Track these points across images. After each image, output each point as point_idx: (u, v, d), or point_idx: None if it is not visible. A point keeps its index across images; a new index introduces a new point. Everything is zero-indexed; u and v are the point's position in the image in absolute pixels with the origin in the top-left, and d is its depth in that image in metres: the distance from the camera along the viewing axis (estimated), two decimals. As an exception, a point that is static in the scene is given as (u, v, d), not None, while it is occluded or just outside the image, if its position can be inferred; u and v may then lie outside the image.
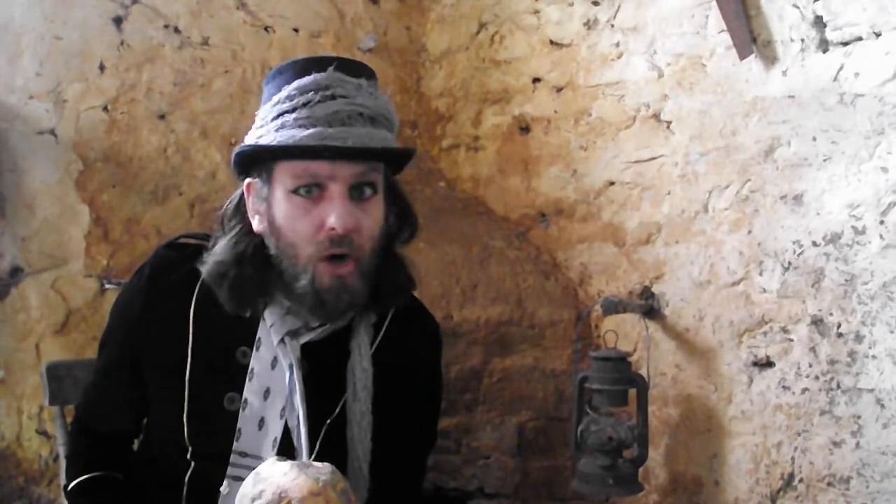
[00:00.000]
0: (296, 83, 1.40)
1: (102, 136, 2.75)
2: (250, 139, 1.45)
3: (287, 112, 1.39)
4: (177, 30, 2.91)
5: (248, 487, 1.26)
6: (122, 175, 2.78)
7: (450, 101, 3.45)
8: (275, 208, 1.43)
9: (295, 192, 1.40)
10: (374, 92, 1.43)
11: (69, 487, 1.62)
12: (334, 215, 1.37)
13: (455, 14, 3.43)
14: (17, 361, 2.61)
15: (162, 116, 2.88)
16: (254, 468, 1.36)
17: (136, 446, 1.72)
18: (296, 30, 3.20)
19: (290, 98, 1.40)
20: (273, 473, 1.24)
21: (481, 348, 2.80)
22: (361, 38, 3.40)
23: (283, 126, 1.39)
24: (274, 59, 3.10)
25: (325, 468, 1.26)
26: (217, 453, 1.48)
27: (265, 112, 1.44)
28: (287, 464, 1.26)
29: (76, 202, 2.70)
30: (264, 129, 1.42)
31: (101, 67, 2.75)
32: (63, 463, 1.97)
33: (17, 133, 2.60)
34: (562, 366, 2.84)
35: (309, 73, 1.40)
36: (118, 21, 2.78)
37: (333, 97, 1.38)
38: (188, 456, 1.51)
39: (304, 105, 1.38)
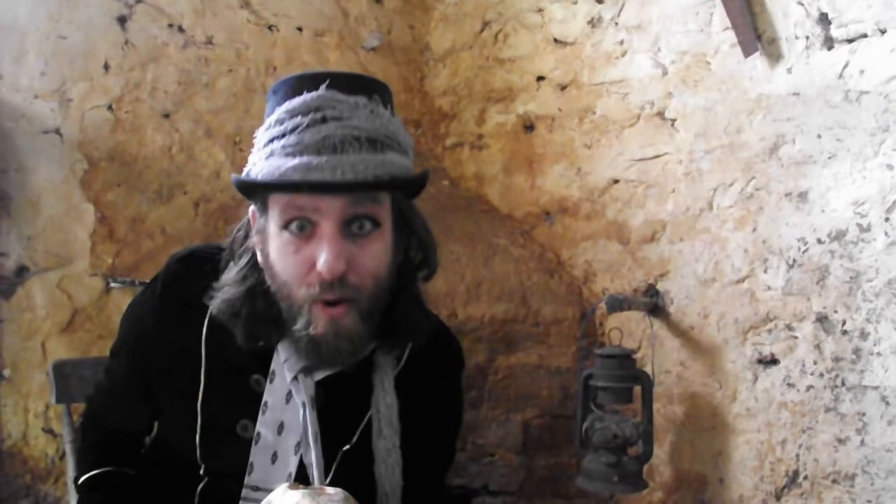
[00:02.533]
0: (286, 105, 1.28)
1: (107, 136, 2.75)
2: (248, 164, 1.34)
3: (276, 138, 1.27)
4: (181, 29, 2.91)
5: None
6: (127, 174, 2.78)
7: (454, 99, 3.45)
8: (269, 244, 1.33)
9: (286, 227, 1.29)
10: (375, 110, 1.30)
11: (80, 481, 1.59)
12: (322, 258, 1.25)
13: (459, 12, 3.44)
14: (23, 360, 2.61)
15: (166, 115, 2.88)
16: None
17: (147, 442, 1.69)
18: (300, 29, 3.21)
19: (279, 122, 1.28)
20: (284, 503, 1.22)
21: (486, 346, 2.81)
22: (365, 36, 3.40)
23: (271, 154, 1.27)
24: (278, 58, 3.11)
25: (336, 495, 1.23)
26: (230, 474, 1.44)
27: (259, 136, 1.33)
28: (298, 493, 1.22)
29: (81, 201, 2.70)
30: (257, 157, 1.31)
31: (106, 67, 2.76)
32: (69, 460, 1.97)
33: (23, 132, 2.60)
34: (566, 363, 2.84)
35: (300, 93, 1.28)
36: (122, 20, 2.79)
37: (325, 120, 1.25)
38: (201, 472, 1.48)
39: (293, 130, 1.26)
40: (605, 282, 2.90)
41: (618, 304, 2.66)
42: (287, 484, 1.27)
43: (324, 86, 1.27)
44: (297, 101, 1.27)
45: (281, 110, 1.28)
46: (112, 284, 2.72)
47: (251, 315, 1.37)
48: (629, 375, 2.51)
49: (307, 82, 1.29)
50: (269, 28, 3.13)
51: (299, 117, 1.26)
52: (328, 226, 1.26)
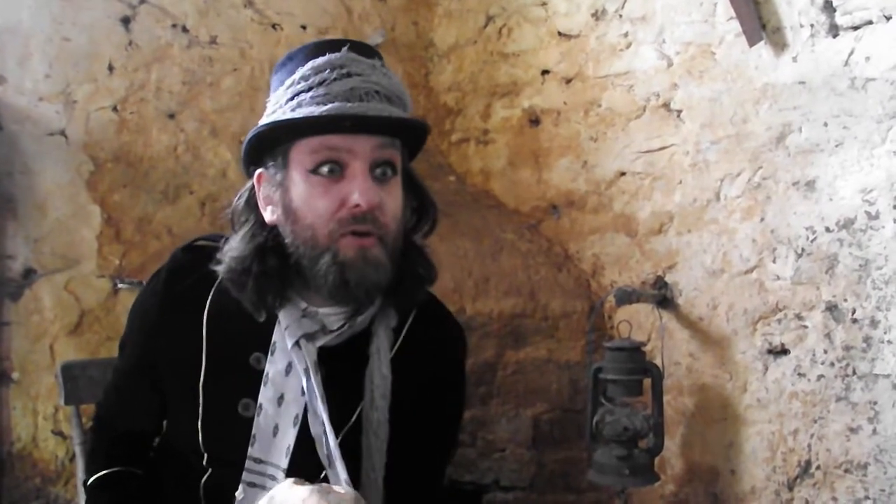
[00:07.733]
0: (310, 64, 1.38)
1: (112, 137, 2.76)
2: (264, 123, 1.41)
3: (303, 91, 1.36)
4: (185, 29, 2.91)
5: None
6: (133, 175, 2.79)
7: (458, 95, 3.45)
8: (292, 192, 1.38)
9: (315, 171, 1.36)
10: (387, 72, 1.44)
11: (88, 482, 1.60)
12: (358, 192, 1.34)
13: (462, 8, 3.43)
14: (31, 363, 2.62)
15: (171, 116, 2.88)
16: (268, 474, 1.33)
17: (156, 444, 1.70)
18: (303, 27, 3.20)
19: (304, 78, 1.37)
20: (289, 499, 1.15)
21: (495, 341, 2.80)
22: (369, 33, 3.40)
23: (299, 105, 1.36)
24: (282, 57, 3.11)
25: (347, 494, 1.19)
26: (232, 460, 1.45)
27: (278, 97, 1.41)
28: (306, 489, 1.17)
29: (87, 203, 2.70)
30: (279, 113, 1.39)
31: (110, 68, 2.76)
32: (80, 461, 1.97)
33: (28, 135, 2.60)
34: (576, 357, 2.83)
35: (323, 54, 1.38)
36: (126, 21, 2.79)
37: (349, 75, 1.37)
38: (204, 462, 1.49)
39: (321, 84, 1.36)
40: (614, 275, 2.89)
41: (626, 296, 2.65)
42: (292, 480, 1.24)
43: (345, 48, 1.40)
44: (321, 60, 1.38)
45: (305, 68, 1.38)
46: (119, 285, 2.72)
47: (262, 272, 1.42)
48: (639, 368, 2.51)
49: (328, 46, 1.41)
50: (273, 27, 3.13)
51: (326, 72, 1.37)
52: (359, 166, 1.36)
